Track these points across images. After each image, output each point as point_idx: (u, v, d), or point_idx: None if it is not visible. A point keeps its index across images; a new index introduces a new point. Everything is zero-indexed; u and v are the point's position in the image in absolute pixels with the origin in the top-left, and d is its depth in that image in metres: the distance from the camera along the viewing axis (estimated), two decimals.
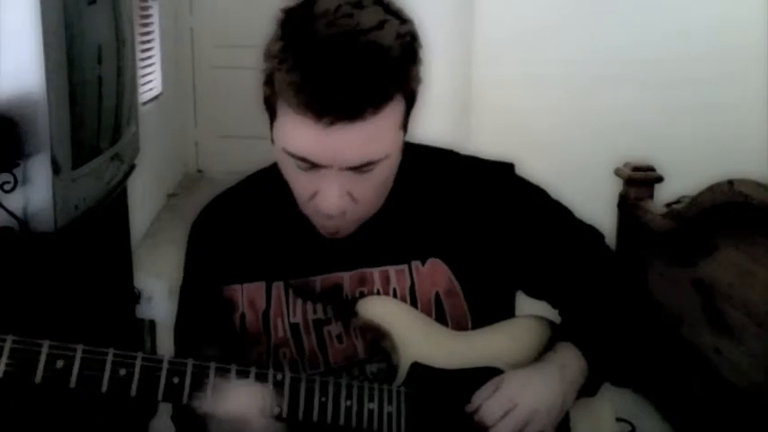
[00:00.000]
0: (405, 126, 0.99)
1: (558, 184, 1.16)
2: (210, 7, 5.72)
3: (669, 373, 2.46)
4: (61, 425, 1.77)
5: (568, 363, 1.05)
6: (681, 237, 2.51)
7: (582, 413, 1.10)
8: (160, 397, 0.94)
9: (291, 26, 0.92)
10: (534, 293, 1.15)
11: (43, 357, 0.91)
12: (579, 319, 1.11)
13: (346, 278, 1.06)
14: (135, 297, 2.65)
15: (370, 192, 0.99)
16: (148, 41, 4.55)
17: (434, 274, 1.06)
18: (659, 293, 2.55)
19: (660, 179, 2.80)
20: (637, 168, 2.81)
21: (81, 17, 1.89)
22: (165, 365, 0.94)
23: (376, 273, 1.06)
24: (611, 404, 1.14)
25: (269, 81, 0.94)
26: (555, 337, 1.11)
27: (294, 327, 1.06)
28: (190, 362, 0.95)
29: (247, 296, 1.07)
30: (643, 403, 2.50)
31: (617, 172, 2.86)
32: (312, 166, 0.94)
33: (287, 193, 1.04)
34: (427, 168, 1.09)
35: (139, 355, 0.94)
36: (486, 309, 1.08)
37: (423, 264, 1.06)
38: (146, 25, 4.49)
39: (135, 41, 3.00)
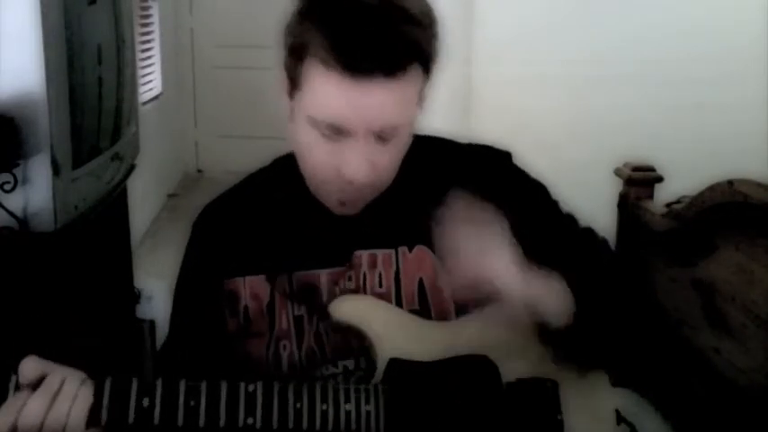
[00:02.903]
0: (421, 103, 1.01)
1: (558, 184, 1.16)
2: (210, 7, 5.72)
3: (669, 373, 2.45)
4: None
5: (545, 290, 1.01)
6: (681, 237, 2.50)
7: (581, 413, 1.09)
8: (131, 420, 0.93)
9: None
10: None
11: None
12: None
13: (341, 270, 1.07)
14: (135, 297, 2.65)
15: (388, 163, 1.01)
16: (148, 41, 4.55)
17: (420, 261, 1.07)
18: (659, 293, 2.55)
19: (660, 179, 2.79)
20: (637, 168, 2.80)
21: (81, 17, 1.89)
22: (135, 387, 0.94)
23: (365, 255, 1.07)
24: (614, 404, 1.14)
25: (296, 48, 0.96)
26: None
27: (298, 319, 1.06)
28: (159, 382, 0.94)
29: (250, 289, 1.08)
30: (643, 403, 2.50)
31: (617, 172, 2.86)
32: (338, 133, 0.95)
33: (288, 187, 1.06)
34: (424, 155, 1.10)
35: (108, 379, 0.94)
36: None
37: (410, 250, 1.07)
38: (146, 25, 4.49)
39: (135, 41, 3.00)
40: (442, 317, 1.07)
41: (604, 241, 1.18)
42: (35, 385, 0.93)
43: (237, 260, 1.09)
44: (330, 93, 0.94)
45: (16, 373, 0.93)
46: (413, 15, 0.94)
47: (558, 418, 1.06)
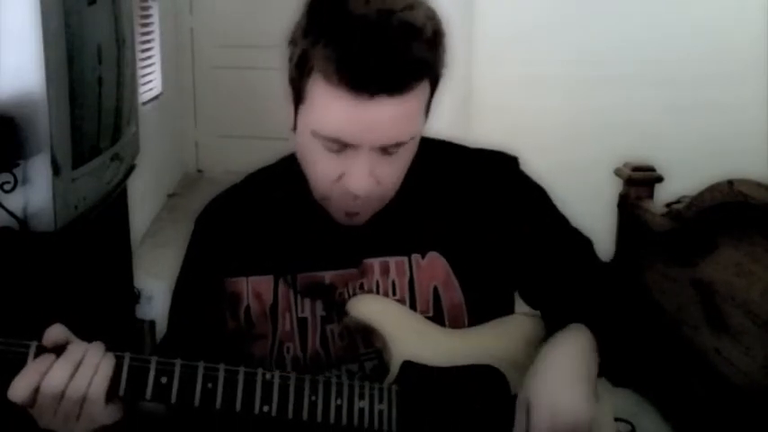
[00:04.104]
0: (427, 112, 1.00)
1: (558, 184, 1.16)
2: (210, 7, 5.72)
3: (669, 373, 2.45)
4: None
5: (587, 348, 1.02)
6: (681, 237, 2.51)
7: None
8: (148, 396, 0.94)
9: (324, 6, 0.93)
10: (525, 296, 1.15)
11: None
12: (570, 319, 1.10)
13: (353, 273, 1.06)
14: (135, 297, 2.65)
15: (392, 175, 1.00)
16: (148, 41, 4.55)
17: (433, 268, 1.06)
18: (659, 293, 2.55)
19: (660, 179, 2.80)
20: (637, 168, 2.81)
21: (81, 17, 1.89)
22: (153, 365, 0.94)
23: (377, 263, 1.06)
24: (612, 404, 1.14)
25: (300, 62, 0.94)
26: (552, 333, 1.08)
27: (302, 321, 1.06)
28: (178, 362, 0.95)
29: (253, 289, 1.07)
30: (643, 403, 2.50)
31: (617, 172, 2.86)
32: (341, 147, 0.95)
33: (293, 188, 1.05)
34: (433, 160, 1.09)
35: (127, 355, 0.94)
36: (483, 305, 1.08)
37: (423, 257, 1.06)
38: (146, 25, 4.49)
39: (135, 41, 3.00)
40: (456, 324, 1.07)
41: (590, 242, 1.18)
42: (57, 352, 0.93)
43: (240, 259, 1.08)
44: (334, 110, 0.92)
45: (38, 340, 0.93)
46: (420, 31, 0.91)
47: None
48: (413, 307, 1.06)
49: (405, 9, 0.91)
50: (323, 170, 0.99)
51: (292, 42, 0.96)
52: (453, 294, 1.07)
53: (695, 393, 2.38)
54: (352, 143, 0.94)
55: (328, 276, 1.07)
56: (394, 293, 1.06)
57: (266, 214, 1.10)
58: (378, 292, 1.06)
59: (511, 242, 1.09)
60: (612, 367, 1.09)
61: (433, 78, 0.97)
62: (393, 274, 1.06)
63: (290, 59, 0.97)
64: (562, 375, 0.98)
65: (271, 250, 1.07)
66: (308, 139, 0.97)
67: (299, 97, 0.97)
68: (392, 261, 1.06)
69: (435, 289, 1.06)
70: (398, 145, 0.96)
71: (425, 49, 0.92)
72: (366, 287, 1.06)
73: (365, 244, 1.06)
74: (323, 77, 0.92)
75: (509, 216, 1.09)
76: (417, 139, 1.01)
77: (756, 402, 2.10)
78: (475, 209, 1.08)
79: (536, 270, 1.12)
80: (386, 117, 0.92)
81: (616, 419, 1.16)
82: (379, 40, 0.89)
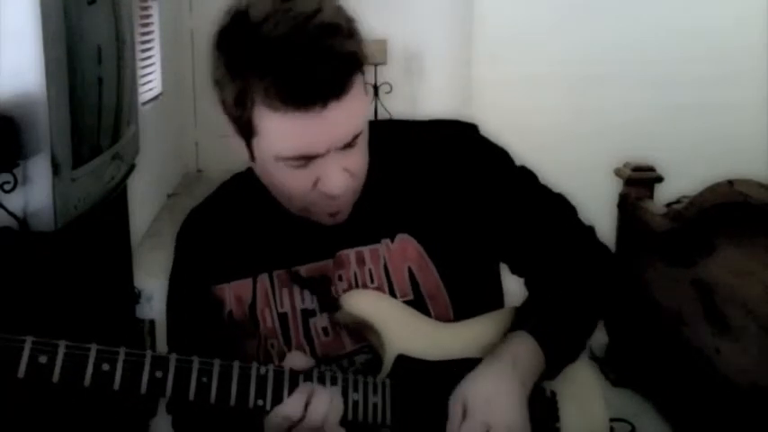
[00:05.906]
0: (366, 93, 1.01)
1: (558, 184, 1.16)
2: (210, 7, 5.69)
3: (669, 373, 2.46)
4: (61, 424, 1.77)
5: (522, 355, 1.03)
6: (681, 237, 2.51)
7: (574, 412, 1.09)
8: (143, 390, 0.94)
9: (238, 42, 0.96)
10: (508, 262, 1.15)
11: (26, 353, 0.91)
12: (538, 298, 1.10)
13: (328, 264, 1.07)
14: (135, 297, 2.65)
15: (359, 164, 1.01)
16: (148, 41, 4.56)
17: (404, 250, 1.07)
18: (659, 293, 2.55)
19: (660, 179, 2.80)
20: (637, 168, 2.81)
21: (81, 17, 1.89)
22: (149, 360, 0.94)
23: (352, 254, 1.07)
24: (605, 403, 1.14)
25: (239, 99, 0.95)
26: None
27: (282, 316, 1.07)
28: (173, 356, 0.95)
29: (234, 293, 1.08)
30: (643, 403, 2.50)
31: (617, 172, 2.87)
32: (308, 159, 0.95)
33: (262, 191, 1.05)
34: (389, 141, 1.10)
35: (122, 349, 0.94)
36: (462, 282, 1.08)
37: (392, 241, 1.07)
38: (146, 25, 4.49)
39: (135, 41, 3.00)
40: (438, 305, 1.07)
41: (572, 207, 1.17)
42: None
43: (221, 267, 1.09)
44: (291, 132, 0.93)
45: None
46: (337, 27, 0.93)
47: (557, 426, 1.08)
48: (391, 292, 1.06)
49: (316, 12, 0.92)
50: (297, 185, 0.99)
51: (219, 84, 0.99)
52: (428, 274, 1.07)
53: (695, 393, 2.38)
54: (317, 153, 0.95)
55: (303, 270, 1.07)
56: (372, 281, 1.06)
57: (240, 220, 1.11)
58: (357, 283, 1.07)
59: (479, 210, 1.09)
60: (612, 367, 1.09)
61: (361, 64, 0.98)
62: (369, 263, 1.07)
63: (224, 101, 0.99)
64: (498, 379, 1.01)
65: (247, 254, 1.08)
66: (272, 164, 0.98)
67: (249, 131, 0.98)
68: (366, 250, 1.07)
69: (410, 271, 1.06)
70: (356, 137, 0.97)
71: (349, 42, 0.94)
72: (345, 279, 1.06)
73: (336, 234, 1.06)
74: (268, 108, 0.92)
75: (473, 183, 1.09)
76: (367, 124, 1.02)
77: (756, 402, 2.11)
78: (438, 182, 1.08)
79: (510, 232, 1.11)
80: (341, 118, 0.93)
81: (616, 419, 1.16)
82: (308, 52, 0.90)
